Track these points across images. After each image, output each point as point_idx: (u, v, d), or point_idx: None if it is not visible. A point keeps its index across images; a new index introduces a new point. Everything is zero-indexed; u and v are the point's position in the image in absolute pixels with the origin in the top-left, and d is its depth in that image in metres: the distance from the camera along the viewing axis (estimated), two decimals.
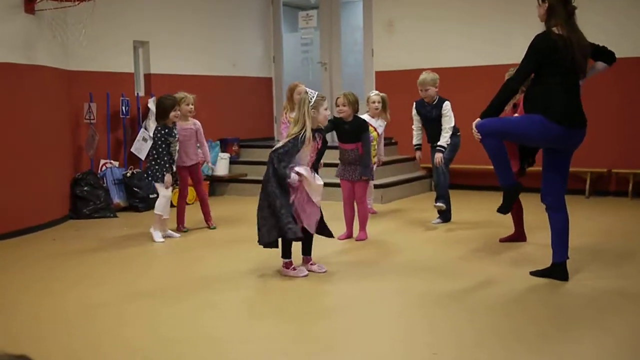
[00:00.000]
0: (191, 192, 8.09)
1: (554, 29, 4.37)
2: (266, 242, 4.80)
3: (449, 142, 6.56)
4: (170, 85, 8.86)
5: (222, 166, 9.26)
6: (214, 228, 6.83)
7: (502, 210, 4.68)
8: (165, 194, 6.29)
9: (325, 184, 5.12)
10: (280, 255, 4.96)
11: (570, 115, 4.36)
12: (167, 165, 6.27)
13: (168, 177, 6.27)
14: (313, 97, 4.83)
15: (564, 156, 4.56)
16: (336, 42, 10.41)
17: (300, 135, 4.76)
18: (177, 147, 6.43)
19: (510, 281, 4.66)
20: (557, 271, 4.58)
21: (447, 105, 6.57)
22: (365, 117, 6.85)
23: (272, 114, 10.85)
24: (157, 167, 6.27)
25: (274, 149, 4.83)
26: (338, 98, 5.99)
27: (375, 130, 7.02)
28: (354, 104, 5.95)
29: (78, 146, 7.95)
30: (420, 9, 9.47)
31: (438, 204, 6.71)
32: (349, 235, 6.20)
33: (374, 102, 7.02)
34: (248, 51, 10.44)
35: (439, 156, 6.55)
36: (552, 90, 4.37)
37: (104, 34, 7.98)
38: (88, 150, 7.93)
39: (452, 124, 6.56)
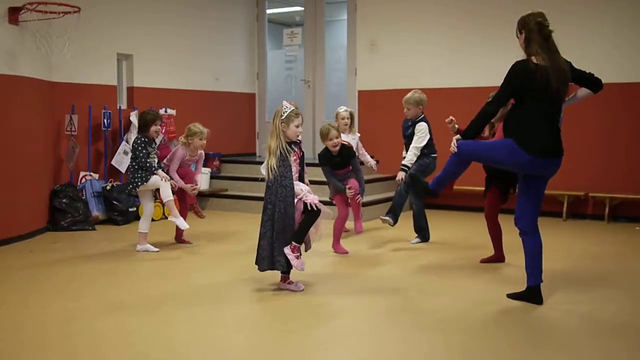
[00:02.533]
0: (158, 210, 8.08)
1: (533, 58, 4.43)
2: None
3: (412, 162, 6.56)
4: (153, 98, 8.89)
5: (202, 181, 9.22)
6: (192, 244, 6.82)
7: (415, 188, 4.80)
8: (165, 187, 6.29)
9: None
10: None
11: (542, 145, 4.39)
12: (152, 169, 6.30)
13: (160, 172, 6.31)
14: (287, 111, 4.84)
15: (539, 182, 4.61)
16: (320, 60, 10.48)
17: (281, 148, 4.80)
18: (156, 160, 6.45)
19: (486, 303, 4.69)
20: (531, 295, 4.62)
21: (420, 126, 6.59)
22: None
23: (255, 130, 10.88)
24: (140, 174, 6.30)
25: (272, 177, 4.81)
26: (330, 132, 6.17)
27: (349, 144, 7.16)
28: (339, 133, 6.34)
29: (58, 158, 7.92)
30: (403, 31, 9.57)
31: (385, 217, 6.64)
32: (345, 251, 6.37)
33: (343, 118, 7.16)
34: (232, 67, 10.48)
35: (400, 175, 6.56)
36: (528, 118, 4.42)
37: (88, 47, 7.98)
38: (68, 162, 7.90)
39: (420, 145, 6.56)
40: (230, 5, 10.39)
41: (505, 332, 4.15)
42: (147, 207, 6.46)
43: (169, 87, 9.23)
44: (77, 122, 7.91)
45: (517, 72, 4.42)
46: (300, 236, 4.85)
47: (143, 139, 6.35)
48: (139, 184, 6.32)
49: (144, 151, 6.30)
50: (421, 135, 6.57)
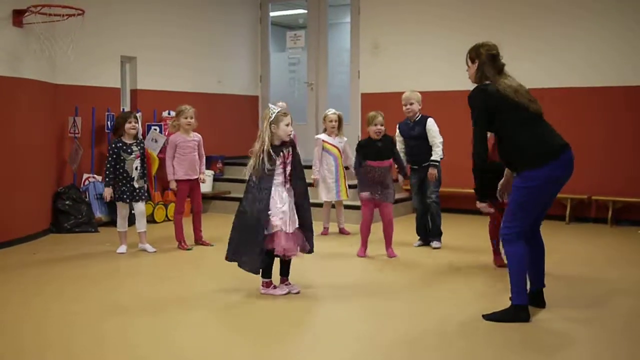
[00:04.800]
0: (161, 212, 8.19)
1: (487, 83, 4.39)
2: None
3: (442, 157, 6.60)
4: (156, 101, 8.91)
5: (205, 183, 9.24)
6: (213, 245, 6.81)
7: (489, 318, 4.38)
8: (120, 214, 6.42)
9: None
10: (260, 274, 4.95)
11: (549, 147, 4.28)
12: (109, 178, 6.33)
13: (107, 191, 6.33)
14: (274, 112, 4.87)
15: (558, 189, 4.53)
16: (323, 62, 10.49)
17: (260, 153, 4.85)
18: (137, 165, 6.44)
19: (487, 306, 4.66)
20: (534, 299, 4.60)
21: (431, 121, 6.62)
22: (322, 135, 7.29)
23: (258, 132, 10.85)
24: (124, 188, 6.38)
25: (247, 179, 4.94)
26: (376, 117, 6.15)
27: (336, 147, 7.30)
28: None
29: (61, 160, 7.93)
30: (406, 34, 9.58)
31: (436, 246, 6.72)
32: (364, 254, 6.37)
33: (331, 121, 7.27)
34: (235, 69, 10.49)
35: (433, 172, 6.57)
36: (518, 139, 4.30)
37: (92, 49, 7.99)
38: (71, 164, 7.91)
39: (441, 139, 6.60)
40: (234, 8, 10.41)
41: (506, 335, 4.13)
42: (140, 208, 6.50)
43: (173, 89, 9.24)
44: (81, 124, 7.93)
45: (486, 92, 4.35)
46: (266, 274, 4.95)
47: (115, 144, 6.39)
48: (119, 199, 6.40)
49: (112, 158, 6.34)
50: (436, 129, 6.61)
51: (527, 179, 4.26)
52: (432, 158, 6.61)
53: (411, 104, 6.66)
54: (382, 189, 6.22)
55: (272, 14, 11.00)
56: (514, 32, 8.68)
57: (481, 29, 8.92)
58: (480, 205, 4.58)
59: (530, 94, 4.40)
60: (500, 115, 4.32)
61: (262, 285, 4.97)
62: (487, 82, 4.42)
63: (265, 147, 4.83)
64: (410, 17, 9.56)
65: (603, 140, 8.40)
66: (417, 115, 6.69)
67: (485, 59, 4.45)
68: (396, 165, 6.46)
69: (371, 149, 6.20)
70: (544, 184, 4.26)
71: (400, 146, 6.83)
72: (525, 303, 4.36)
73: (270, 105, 5.01)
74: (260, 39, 10.88)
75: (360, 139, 7.25)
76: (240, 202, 4.97)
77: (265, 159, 4.81)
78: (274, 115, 4.88)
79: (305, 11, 10.81)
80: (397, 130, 6.84)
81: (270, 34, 10.94)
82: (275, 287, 4.97)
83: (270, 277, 4.98)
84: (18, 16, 6.73)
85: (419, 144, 6.66)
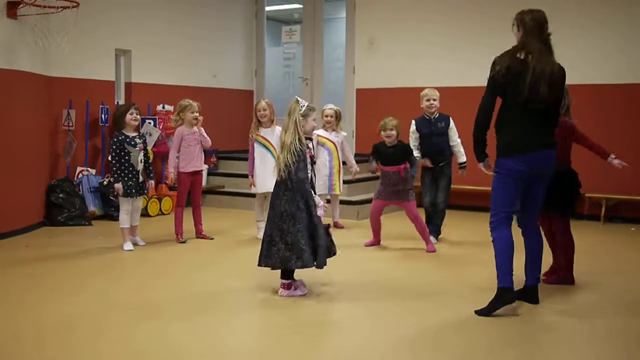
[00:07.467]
0: (168, 202, 8.19)
1: (518, 54, 4.36)
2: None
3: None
4: (151, 94, 8.88)
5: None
6: (212, 239, 6.85)
7: (481, 312, 4.39)
8: (123, 208, 6.31)
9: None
10: (280, 276, 4.83)
11: (517, 144, 4.32)
12: (117, 174, 6.24)
13: (117, 186, 6.22)
14: (303, 106, 4.82)
15: (539, 183, 4.57)
16: (318, 57, 10.48)
17: (297, 142, 4.71)
18: (142, 157, 6.39)
19: (482, 301, 4.66)
20: (528, 294, 4.62)
21: (452, 120, 6.68)
22: (320, 131, 7.27)
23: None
24: (114, 177, 6.30)
25: (289, 171, 4.68)
26: (387, 124, 6.20)
27: (331, 141, 7.31)
28: (399, 128, 6.26)
29: (55, 152, 7.90)
30: (402, 30, 9.58)
31: (434, 241, 6.70)
32: (376, 242, 6.60)
33: (327, 116, 7.34)
34: (230, 64, 10.47)
35: (464, 174, 6.73)
36: (503, 120, 4.38)
37: (87, 42, 7.96)
38: (65, 156, 7.89)
39: (460, 139, 6.66)
40: (229, 2, 10.38)
41: (501, 330, 4.15)
42: (123, 207, 6.43)
43: (167, 83, 9.22)
44: (75, 117, 7.90)
45: (494, 68, 4.42)
46: (290, 275, 4.82)
47: (117, 137, 6.30)
48: (127, 195, 6.25)
49: (117, 152, 6.24)
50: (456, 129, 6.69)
51: (497, 166, 4.41)
52: (460, 161, 6.68)
53: (434, 99, 6.68)
54: (398, 191, 6.29)
55: (267, 8, 10.98)
56: (510, 28, 8.67)
57: (477, 24, 8.95)
58: (482, 165, 4.58)
59: (553, 78, 4.33)
60: (500, 88, 4.37)
61: (283, 287, 4.82)
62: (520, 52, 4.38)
63: (299, 139, 4.71)
64: (406, 13, 9.55)
65: (597, 137, 8.30)
66: (436, 113, 6.69)
67: (530, 29, 4.43)
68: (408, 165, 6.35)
69: (382, 153, 6.32)
70: (509, 175, 4.35)
71: (414, 143, 6.73)
72: (509, 285, 4.38)
73: (298, 98, 4.87)
74: (255, 33, 10.86)
75: (355, 130, 7.25)
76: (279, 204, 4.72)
77: (294, 151, 4.67)
78: (303, 108, 4.79)
79: (301, 6, 10.79)
80: (414, 127, 6.75)
81: (265, 28, 10.92)
82: (296, 287, 4.84)
83: (292, 278, 4.86)
84: (12, 8, 6.70)
85: (440, 141, 6.65)
